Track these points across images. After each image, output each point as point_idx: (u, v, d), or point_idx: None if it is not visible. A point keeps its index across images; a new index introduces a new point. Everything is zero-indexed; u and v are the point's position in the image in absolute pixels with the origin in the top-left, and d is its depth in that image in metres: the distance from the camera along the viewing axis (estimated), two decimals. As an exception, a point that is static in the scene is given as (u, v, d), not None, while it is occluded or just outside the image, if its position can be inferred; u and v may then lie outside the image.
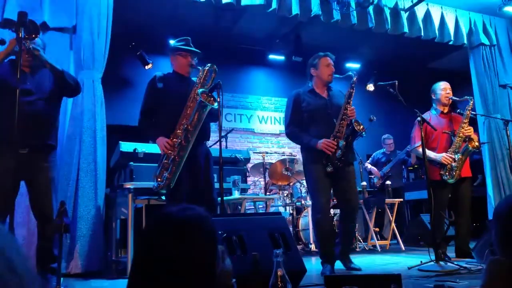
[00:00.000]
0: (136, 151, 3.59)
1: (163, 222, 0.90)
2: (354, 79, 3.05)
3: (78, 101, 3.48)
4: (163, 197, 3.38)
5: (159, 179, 2.72)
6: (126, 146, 3.61)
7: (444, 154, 3.55)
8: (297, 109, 3.09)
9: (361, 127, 2.98)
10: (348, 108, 2.98)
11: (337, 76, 3.14)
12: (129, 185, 3.36)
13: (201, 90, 2.72)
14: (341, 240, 3.12)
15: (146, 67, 5.40)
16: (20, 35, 2.32)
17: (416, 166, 6.02)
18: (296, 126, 3.09)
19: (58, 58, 3.34)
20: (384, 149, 5.76)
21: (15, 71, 2.34)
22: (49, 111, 2.78)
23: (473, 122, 3.79)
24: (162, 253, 0.84)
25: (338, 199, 3.24)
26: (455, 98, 3.72)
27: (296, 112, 3.09)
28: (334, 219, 4.59)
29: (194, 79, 2.95)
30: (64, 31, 3.67)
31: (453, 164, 3.52)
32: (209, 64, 2.84)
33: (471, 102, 3.68)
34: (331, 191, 3.13)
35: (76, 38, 3.64)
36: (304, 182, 5.11)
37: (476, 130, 3.81)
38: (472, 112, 3.71)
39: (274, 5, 4.34)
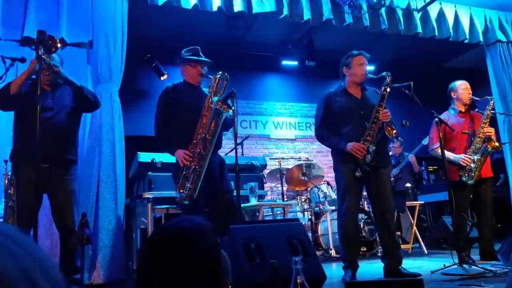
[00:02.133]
0: (154, 161, 3.64)
1: (161, 234, 0.92)
2: (388, 79, 2.89)
3: (97, 114, 3.55)
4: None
5: (181, 190, 2.70)
6: (144, 157, 3.67)
7: (462, 155, 3.48)
8: (328, 110, 2.98)
9: (394, 132, 2.82)
10: (380, 111, 2.83)
11: (371, 76, 3.01)
12: (148, 194, 3.41)
13: (215, 98, 2.74)
14: (385, 252, 2.89)
15: (162, 78, 5.47)
16: (40, 53, 2.40)
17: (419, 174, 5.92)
18: (327, 127, 2.98)
19: (76, 72, 3.43)
20: (392, 152, 5.65)
21: (35, 88, 2.42)
22: (69, 126, 2.86)
23: (492, 121, 3.71)
24: (162, 264, 0.86)
25: (370, 202, 3.14)
26: (476, 98, 3.65)
27: (327, 113, 2.98)
28: (361, 224, 4.52)
29: (205, 89, 2.97)
30: (81, 46, 3.77)
31: (472, 165, 3.45)
32: (220, 72, 2.85)
33: (492, 102, 3.60)
34: (362, 194, 2.98)
35: (92, 53, 3.73)
36: (322, 187, 5.09)
37: (496, 129, 3.72)
38: (492, 111, 3.63)
39: (285, 11, 4.35)
